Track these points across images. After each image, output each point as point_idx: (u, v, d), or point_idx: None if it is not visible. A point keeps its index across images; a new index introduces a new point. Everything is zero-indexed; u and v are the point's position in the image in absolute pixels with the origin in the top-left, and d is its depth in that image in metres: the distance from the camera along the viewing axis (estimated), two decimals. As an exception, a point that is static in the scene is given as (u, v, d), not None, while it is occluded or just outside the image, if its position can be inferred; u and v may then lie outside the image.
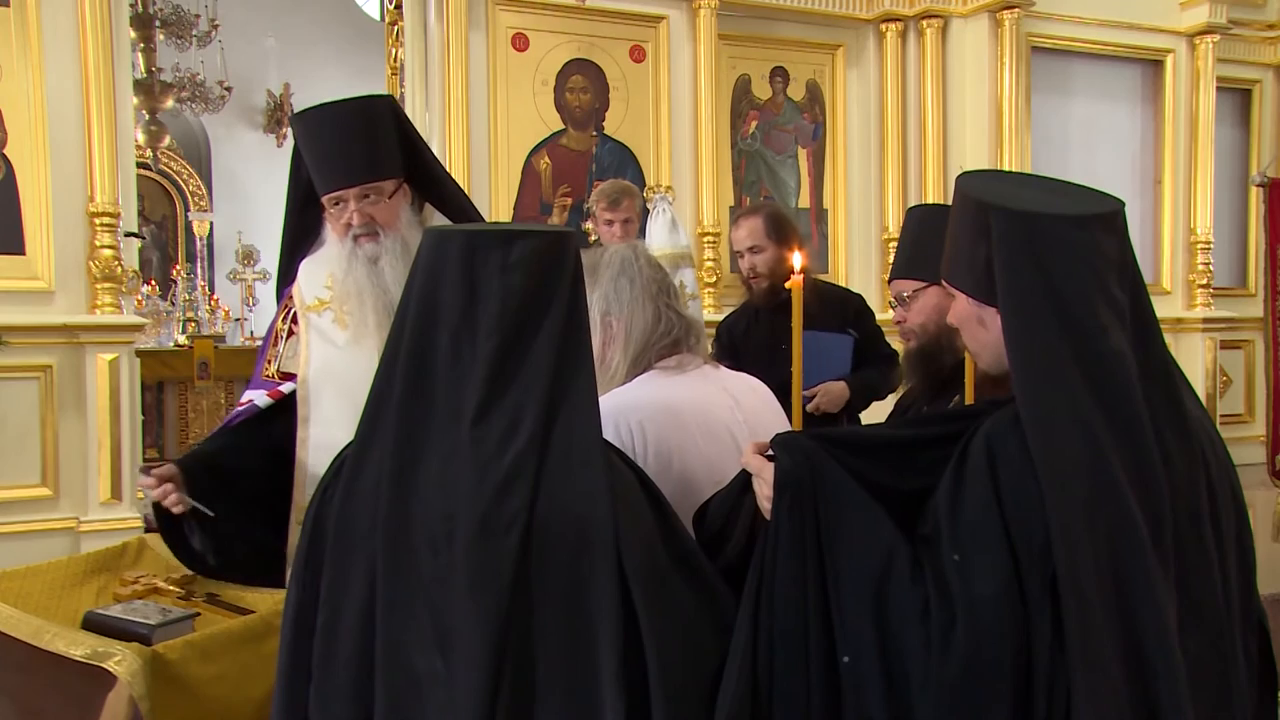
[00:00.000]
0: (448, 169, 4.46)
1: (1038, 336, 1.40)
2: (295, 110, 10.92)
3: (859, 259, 5.51)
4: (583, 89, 4.89)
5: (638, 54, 4.96)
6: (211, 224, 10.99)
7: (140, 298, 7.95)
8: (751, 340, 3.62)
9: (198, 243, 10.82)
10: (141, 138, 9.30)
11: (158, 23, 9.27)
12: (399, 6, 4.97)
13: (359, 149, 2.23)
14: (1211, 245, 5.88)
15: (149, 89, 9.13)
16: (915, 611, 1.37)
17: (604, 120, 4.93)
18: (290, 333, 2.38)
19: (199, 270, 10.68)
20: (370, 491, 1.47)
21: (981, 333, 1.54)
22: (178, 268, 10.53)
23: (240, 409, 2.33)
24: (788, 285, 1.71)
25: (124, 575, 2.39)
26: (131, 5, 6.62)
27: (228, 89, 10.45)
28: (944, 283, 1.60)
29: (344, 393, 2.19)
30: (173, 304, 9.91)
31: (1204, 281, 5.86)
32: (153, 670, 1.86)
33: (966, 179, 1.56)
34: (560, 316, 1.48)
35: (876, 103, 5.48)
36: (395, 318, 1.54)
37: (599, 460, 1.46)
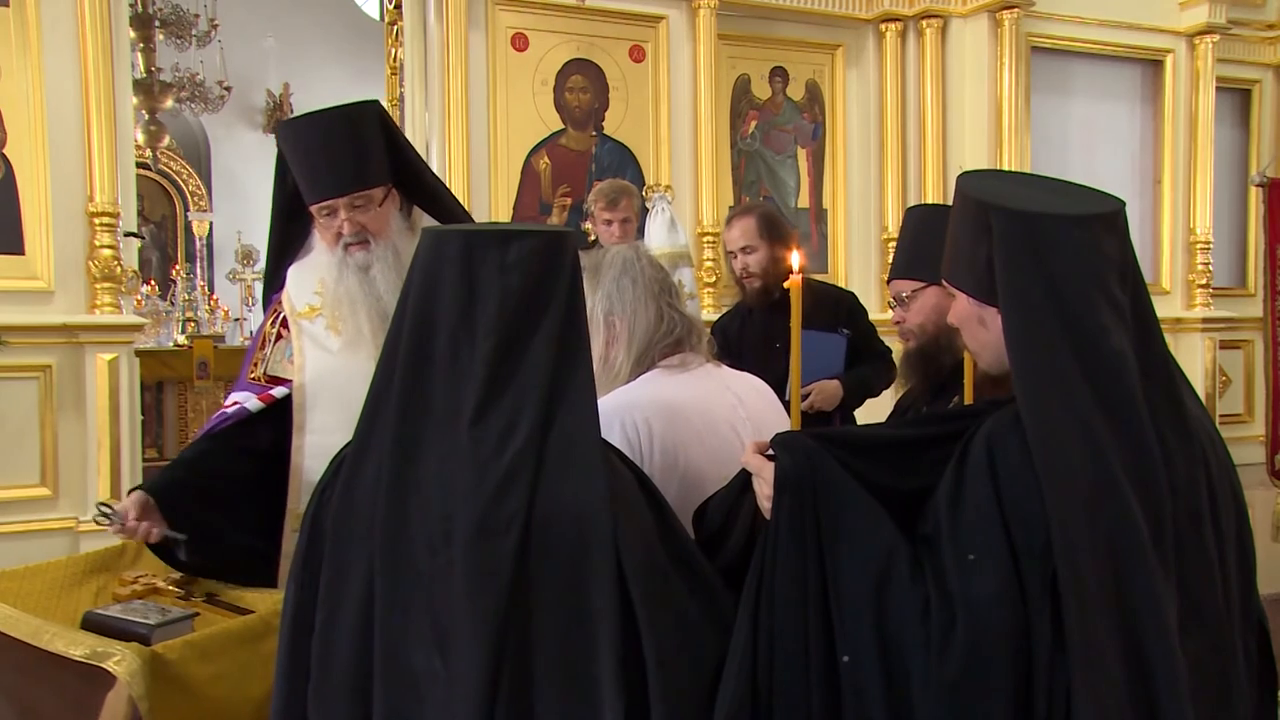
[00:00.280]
0: (447, 169, 4.50)
1: (1038, 336, 1.40)
2: (293, 110, 10.96)
3: (858, 259, 5.51)
4: (582, 89, 4.89)
5: (637, 54, 4.96)
6: (211, 224, 11.00)
7: (140, 298, 7.95)
8: (745, 340, 3.63)
9: (197, 243, 10.83)
10: (141, 138, 9.30)
11: (157, 23, 9.27)
12: (398, 6, 4.96)
13: (347, 158, 2.22)
14: (1211, 245, 5.88)
15: (148, 89, 9.13)
16: (915, 611, 1.37)
17: (603, 120, 4.92)
18: (279, 336, 2.38)
19: (198, 270, 10.68)
20: (368, 491, 1.47)
21: (982, 333, 1.54)
22: (177, 268, 10.54)
23: (228, 412, 2.32)
24: (786, 285, 1.71)
25: (123, 575, 2.39)
26: (131, 5, 6.61)
27: (227, 89, 10.45)
28: (944, 283, 1.60)
29: (340, 400, 2.19)
30: (172, 304, 9.92)
31: (1203, 281, 5.86)
32: (152, 670, 1.86)
33: (967, 179, 1.56)
34: (558, 316, 1.48)
35: (876, 102, 5.48)
36: (393, 318, 1.54)
37: (597, 460, 1.46)
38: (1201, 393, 5.26)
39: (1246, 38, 6.10)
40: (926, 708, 1.35)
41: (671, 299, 2.02)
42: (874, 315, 3.91)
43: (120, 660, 1.85)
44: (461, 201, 4.39)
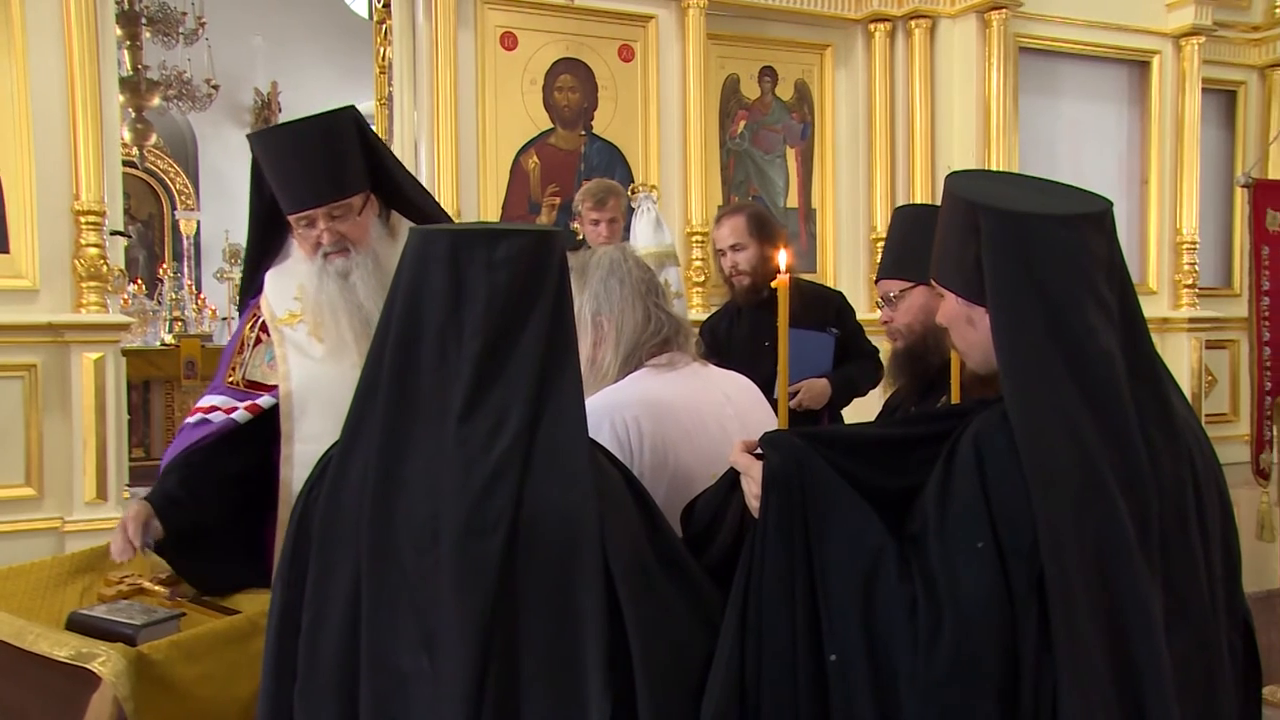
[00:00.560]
0: (436, 168, 4.48)
1: (1026, 336, 1.40)
2: (281, 108, 10.90)
3: (847, 258, 5.52)
4: (571, 88, 4.88)
5: (626, 53, 4.96)
6: (198, 223, 10.95)
7: (126, 296, 7.90)
8: (734, 338, 3.63)
9: (184, 241, 10.77)
10: (128, 136, 9.26)
11: (144, 20, 9.22)
12: (387, 5, 4.95)
13: (323, 169, 2.20)
14: (1197, 245, 5.90)
15: (135, 87, 9.09)
16: (902, 610, 1.37)
17: (593, 120, 4.92)
18: (258, 340, 2.36)
19: (185, 269, 10.63)
20: (355, 491, 1.47)
21: (970, 332, 1.54)
22: (164, 266, 10.50)
23: (215, 424, 2.27)
24: (774, 284, 1.71)
25: (109, 575, 2.37)
26: (117, 2, 6.58)
27: (215, 87, 10.40)
28: (933, 282, 1.60)
29: (327, 408, 2.17)
30: (159, 303, 9.88)
31: (1189, 281, 5.88)
32: (137, 671, 1.84)
33: (955, 179, 1.56)
34: (546, 315, 1.47)
35: (865, 102, 5.49)
36: (381, 317, 1.53)
37: (584, 459, 1.46)
38: (1187, 392, 5.28)
39: (1232, 39, 6.13)
40: (913, 706, 1.35)
41: (658, 299, 2.02)
42: (862, 315, 3.92)
43: (105, 661, 1.84)
44: (450, 201, 4.41)
